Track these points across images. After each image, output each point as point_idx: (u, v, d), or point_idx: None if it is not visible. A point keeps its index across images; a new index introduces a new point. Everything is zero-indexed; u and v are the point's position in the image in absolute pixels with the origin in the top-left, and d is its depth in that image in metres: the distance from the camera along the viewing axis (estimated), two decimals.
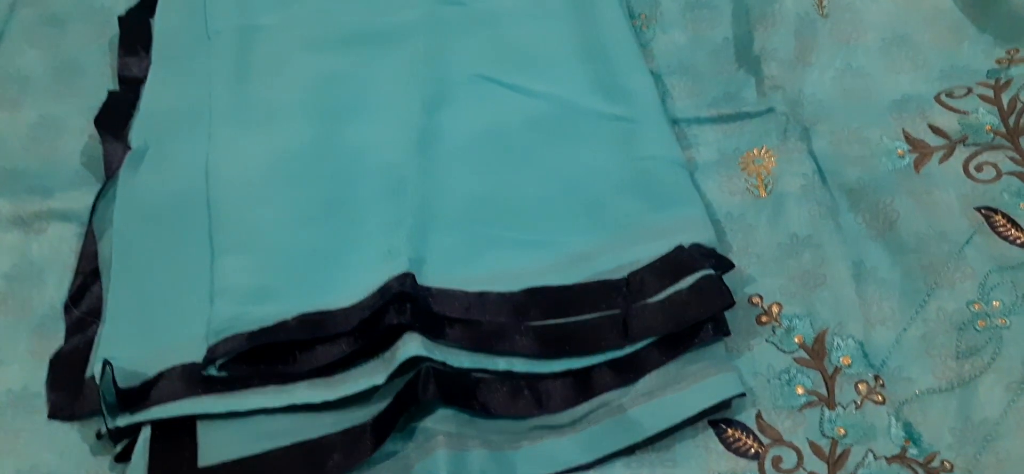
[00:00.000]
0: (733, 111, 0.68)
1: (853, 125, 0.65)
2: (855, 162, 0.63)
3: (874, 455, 0.52)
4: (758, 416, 0.54)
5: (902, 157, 0.64)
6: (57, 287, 0.62)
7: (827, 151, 0.64)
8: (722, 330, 0.56)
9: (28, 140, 0.70)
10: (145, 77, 0.71)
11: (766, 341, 0.57)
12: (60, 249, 0.64)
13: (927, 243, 0.58)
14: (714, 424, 0.54)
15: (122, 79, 0.72)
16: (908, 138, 0.64)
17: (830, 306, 0.57)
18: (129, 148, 0.66)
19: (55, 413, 0.56)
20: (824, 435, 0.53)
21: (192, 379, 0.54)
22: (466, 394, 0.53)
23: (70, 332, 0.59)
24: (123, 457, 0.53)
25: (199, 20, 0.74)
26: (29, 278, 0.62)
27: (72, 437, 0.55)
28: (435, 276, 0.57)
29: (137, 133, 0.67)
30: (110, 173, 0.65)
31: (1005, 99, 0.65)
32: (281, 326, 0.54)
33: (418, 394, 0.51)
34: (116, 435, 0.53)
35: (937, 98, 0.66)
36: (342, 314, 0.55)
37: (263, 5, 0.74)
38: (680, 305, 0.55)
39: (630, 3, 0.77)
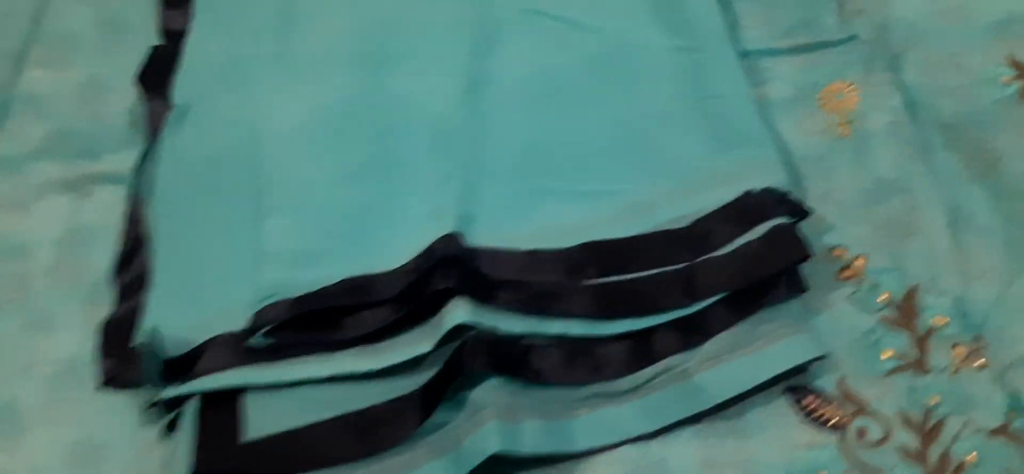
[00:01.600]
0: (811, 40, 0.63)
1: (949, 51, 0.60)
2: (951, 94, 0.58)
3: (973, 427, 0.47)
4: (840, 382, 0.50)
5: (1007, 85, 0.58)
6: (107, 253, 0.61)
7: (918, 82, 0.59)
8: (798, 286, 0.52)
9: (77, 101, 0.70)
10: (187, 29, 0.69)
11: (848, 299, 0.53)
12: (110, 213, 0.63)
13: None
14: (790, 391, 0.50)
15: (165, 32, 0.71)
16: (1014, 63, 0.58)
17: (922, 259, 0.53)
18: (172, 106, 0.64)
19: (105, 382, 0.55)
20: (915, 404, 0.49)
21: (237, 349, 0.53)
22: (518, 362, 0.51)
23: (119, 299, 0.59)
24: (172, 429, 0.52)
25: None
26: (80, 244, 0.62)
27: (122, 408, 0.54)
28: (484, 234, 0.55)
29: (180, 90, 0.66)
30: (154, 132, 0.64)
31: None
32: (325, 292, 0.53)
33: (467, 364, 0.49)
34: (165, 406, 0.52)
35: None
36: (386, 279, 0.53)
37: None
38: (750, 258, 0.51)
39: None
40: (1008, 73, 0.58)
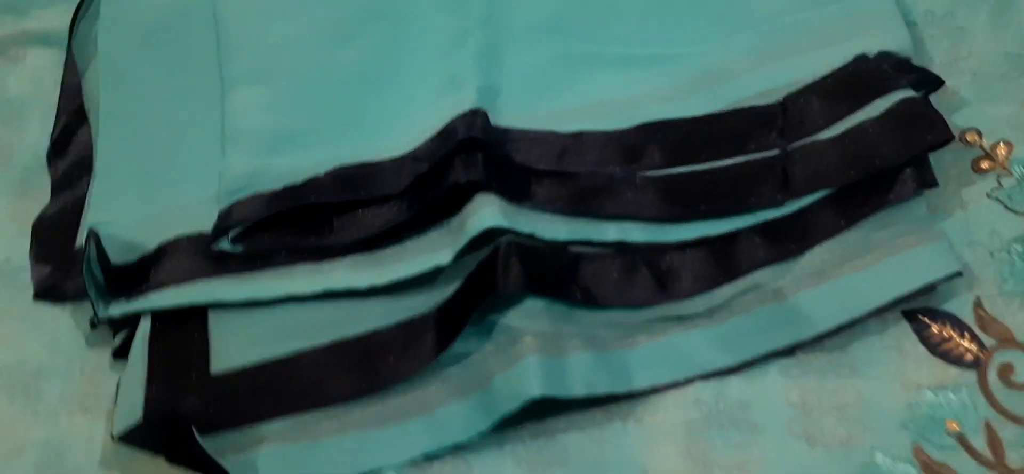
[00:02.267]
0: None
1: None
2: None
3: None
4: (977, 306, 0.42)
5: None
6: (41, 130, 0.55)
7: None
8: (927, 180, 0.43)
9: None
10: None
11: (988, 196, 0.45)
12: (42, 82, 0.57)
13: None
14: (911, 317, 0.42)
15: None
16: None
17: None
18: None
19: (42, 293, 0.49)
20: None
21: (201, 255, 0.46)
22: (562, 277, 0.43)
23: (56, 189, 0.52)
24: (123, 352, 0.45)
25: None
26: (7, 119, 0.55)
27: (63, 323, 0.48)
28: (514, 112, 0.47)
29: None
30: None
31: None
32: (312, 184, 0.45)
33: (497, 281, 0.40)
34: (114, 324, 0.45)
35: None
36: (391, 168, 0.46)
37: None
38: (866, 142, 0.44)
39: None
40: None
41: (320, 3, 0.51)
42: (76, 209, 0.49)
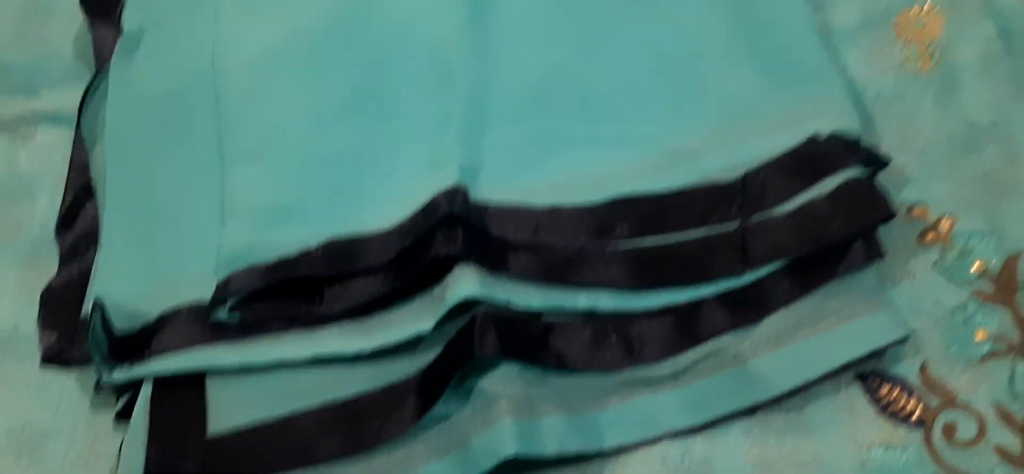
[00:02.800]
0: None
1: None
2: None
3: None
4: (923, 369, 0.44)
5: None
6: (50, 205, 0.56)
7: (1015, 7, 0.53)
8: (875, 252, 0.45)
9: (13, 30, 0.64)
10: None
11: (933, 267, 0.47)
12: (51, 158, 0.58)
13: None
14: (863, 379, 0.44)
15: None
16: None
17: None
18: (121, 32, 0.58)
19: (49, 359, 0.50)
20: (1016, 397, 0.43)
21: (200, 323, 0.47)
22: (536, 343, 0.45)
23: (63, 260, 0.54)
24: (125, 415, 0.46)
25: None
26: (17, 195, 0.57)
27: (69, 388, 0.50)
28: (493, 187, 0.48)
29: (130, 13, 0.59)
30: (101, 64, 0.58)
31: None
32: (304, 257, 0.47)
33: (475, 347, 0.43)
34: (117, 389, 0.47)
35: None
36: (378, 241, 0.47)
37: None
38: (817, 217, 0.45)
39: None
40: None
41: (314, 87, 0.53)
42: (82, 279, 0.51)
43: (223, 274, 0.46)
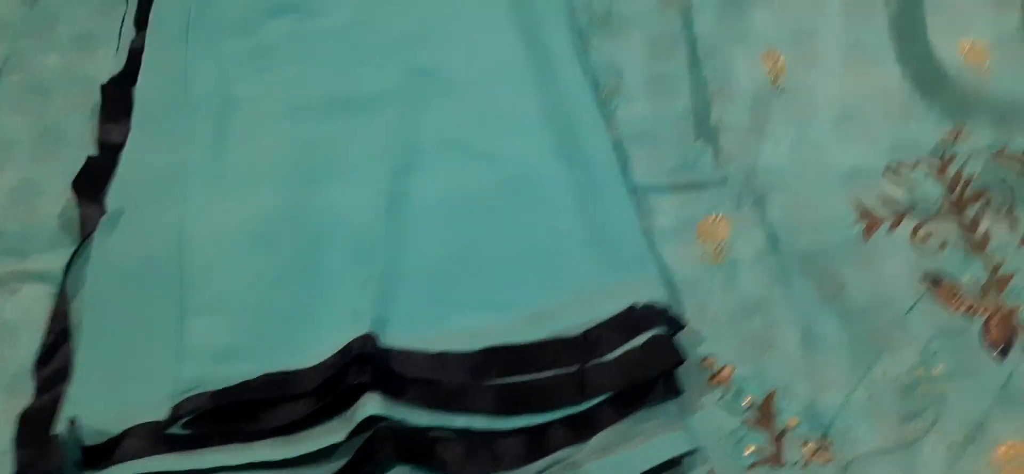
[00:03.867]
0: (690, 180, 0.70)
1: (806, 195, 0.68)
2: (807, 231, 0.66)
3: None
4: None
5: (852, 226, 0.66)
6: (29, 347, 0.62)
7: (780, 220, 0.67)
8: (673, 390, 0.57)
9: (7, 203, 0.72)
10: (125, 143, 0.73)
11: (717, 403, 0.59)
12: (33, 309, 0.65)
13: (874, 309, 0.61)
14: None
15: (102, 145, 0.74)
16: (858, 208, 0.67)
17: (779, 368, 0.59)
18: (105, 211, 0.67)
19: (21, 470, 0.56)
20: None
21: (156, 437, 0.55)
22: (423, 452, 0.55)
23: (39, 391, 0.60)
24: None
25: (180, 89, 0.76)
26: (2, 338, 0.63)
27: None
28: (397, 336, 0.59)
29: (114, 197, 0.68)
30: (85, 235, 0.67)
31: (950, 172, 0.68)
32: (245, 385, 0.56)
33: (376, 453, 0.53)
34: None
35: (886, 170, 0.69)
36: (305, 374, 0.57)
37: (243, 73, 0.76)
38: (633, 363, 0.57)
39: (596, 75, 0.79)
40: (853, 216, 0.67)
41: (261, 258, 0.63)
42: (55, 406, 0.57)
43: (179, 397, 0.55)
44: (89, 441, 0.55)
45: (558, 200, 0.67)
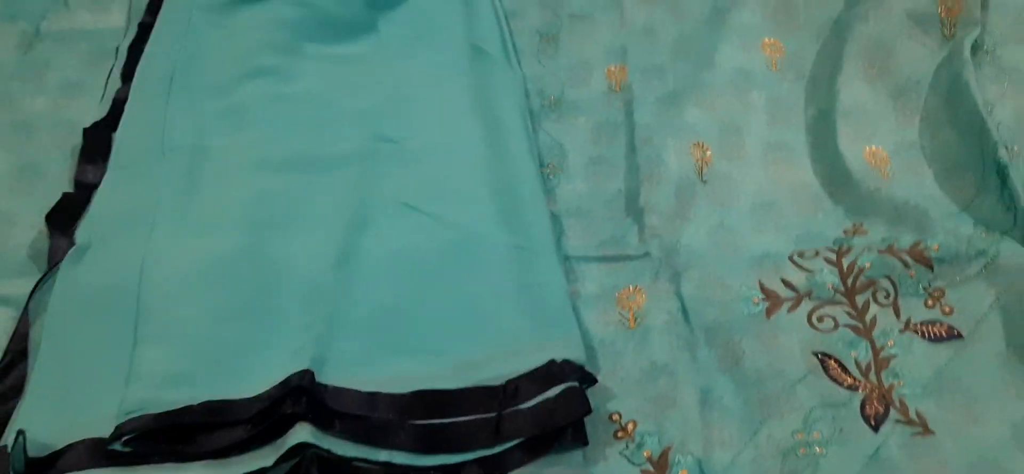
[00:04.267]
0: (616, 253, 0.77)
1: (718, 273, 0.74)
2: (715, 305, 0.72)
3: None
4: None
5: (756, 304, 0.73)
6: None
7: (692, 294, 0.73)
8: (581, 439, 0.62)
9: None
10: (100, 183, 0.78)
11: (619, 453, 0.64)
12: None
13: (766, 379, 0.67)
14: None
15: (78, 183, 0.79)
16: (763, 288, 0.74)
17: (677, 426, 0.65)
18: (74, 244, 0.72)
19: None
20: None
21: (97, 452, 0.59)
22: None
23: None
24: None
25: (158, 137, 0.81)
26: None
27: None
28: (334, 376, 0.64)
29: (83, 231, 0.73)
30: (52, 264, 0.71)
31: (845, 263, 0.75)
32: (186, 410, 0.61)
33: None
34: None
35: (791, 257, 0.75)
36: (244, 403, 0.61)
37: (218, 128, 0.82)
38: (546, 411, 0.62)
39: (541, 153, 0.86)
40: (758, 295, 0.74)
41: (214, 295, 0.67)
42: (5, 420, 0.62)
43: (123, 418, 0.59)
44: (34, 453, 0.58)
45: (494, 262, 0.73)
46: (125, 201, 0.76)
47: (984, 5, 0.83)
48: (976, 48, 0.82)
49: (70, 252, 0.71)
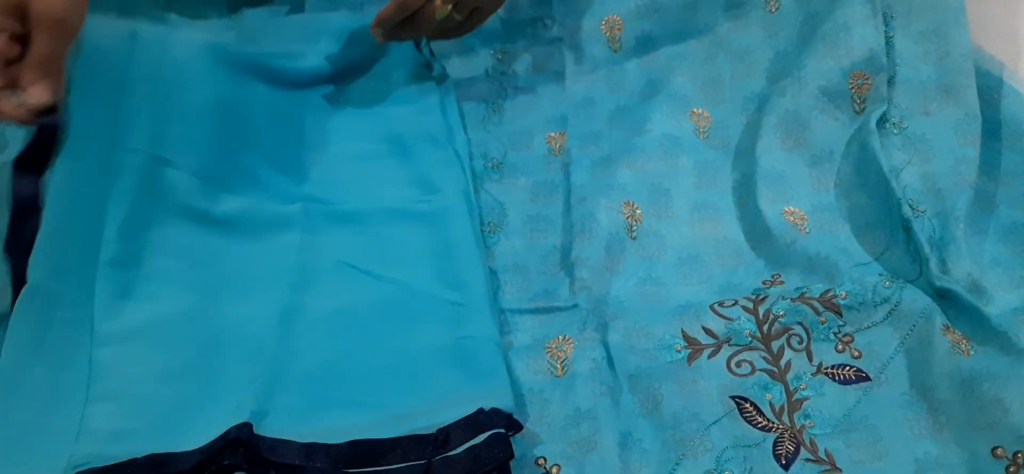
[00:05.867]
0: (547, 305, 0.81)
1: (643, 323, 0.79)
2: (639, 353, 0.76)
3: None
4: None
5: (679, 351, 0.77)
6: None
7: (618, 343, 0.77)
8: None
9: None
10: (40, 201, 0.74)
11: None
12: None
13: (682, 422, 0.71)
14: None
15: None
16: (685, 336, 0.78)
17: (597, 469, 0.68)
18: (26, 281, 0.72)
19: None
20: None
21: None
22: None
23: None
24: None
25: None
26: None
27: None
28: (273, 428, 0.68)
29: (33, 269, 0.72)
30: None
31: (761, 310, 0.80)
32: (131, 463, 0.64)
33: None
34: None
35: (712, 306, 0.80)
36: (185, 455, 0.65)
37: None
38: (471, 457, 0.66)
39: (482, 212, 0.91)
40: (681, 343, 0.78)
41: (161, 355, 0.72)
42: None
43: (70, 472, 0.63)
44: None
45: (431, 318, 0.78)
46: (72, 242, 0.74)
47: (891, 82, 0.90)
48: (883, 121, 0.88)
49: (23, 293, 0.72)
